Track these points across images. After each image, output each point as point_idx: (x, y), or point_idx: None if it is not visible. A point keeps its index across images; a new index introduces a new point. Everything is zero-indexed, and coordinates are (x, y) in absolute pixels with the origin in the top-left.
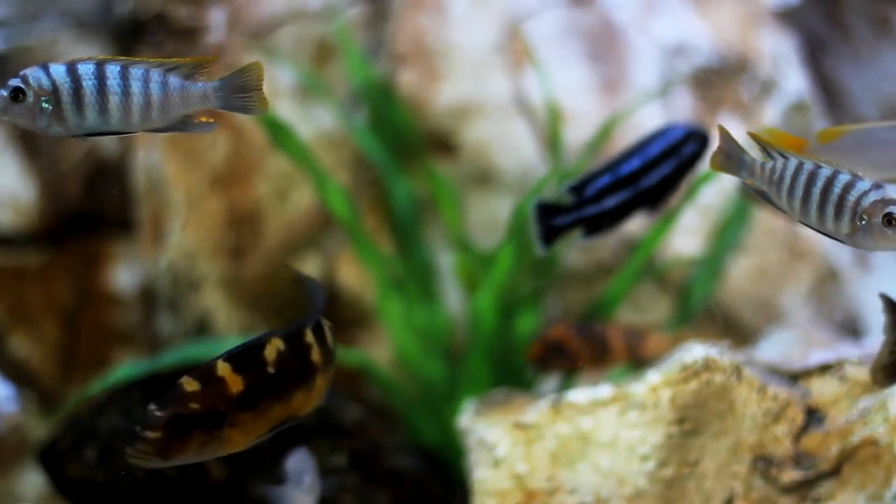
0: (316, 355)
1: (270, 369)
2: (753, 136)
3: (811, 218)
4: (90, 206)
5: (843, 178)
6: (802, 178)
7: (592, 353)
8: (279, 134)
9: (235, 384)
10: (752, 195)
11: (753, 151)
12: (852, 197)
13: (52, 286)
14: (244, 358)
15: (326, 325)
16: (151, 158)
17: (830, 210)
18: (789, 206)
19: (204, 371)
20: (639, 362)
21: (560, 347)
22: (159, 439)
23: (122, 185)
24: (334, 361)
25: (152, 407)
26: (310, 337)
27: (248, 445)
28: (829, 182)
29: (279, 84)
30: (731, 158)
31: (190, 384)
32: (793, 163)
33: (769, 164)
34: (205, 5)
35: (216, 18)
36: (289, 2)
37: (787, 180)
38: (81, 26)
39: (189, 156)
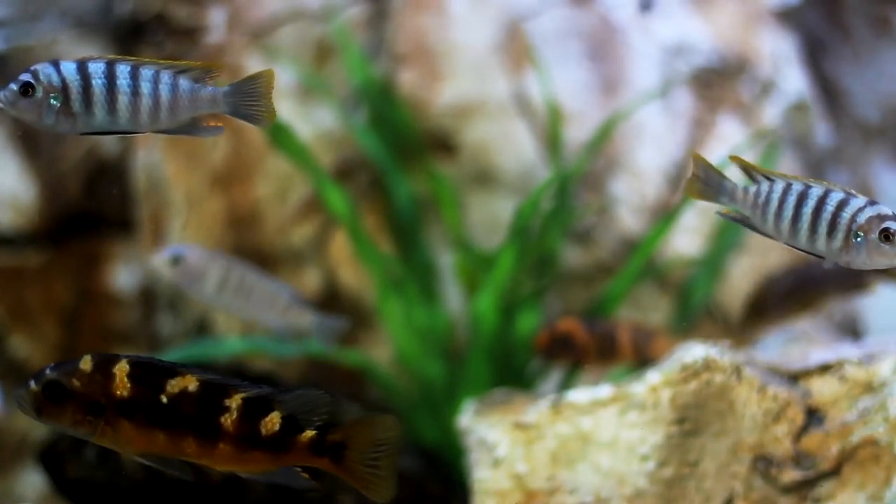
0: (228, 422)
1: (163, 398)
2: (737, 161)
3: (800, 239)
4: (90, 206)
5: (836, 195)
6: (792, 199)
7: (599, 350)
8: (278, 135)
9: (121, 388)
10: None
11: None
12: (847, 214)
13: (52, 286)
14: (146, 372)
15: (279, 417)
16: (151, 158)
17: (823, 229)
18: (776, 228)
19: (105, 359)
20: (645, 362)
21: (567, 340)
22: (36, 394)
23: (122, 185)
24: (269, 449)
25: (51, 364)
26: (234, 403)
27: (129, 455)
28: (822, 201)
29: (279, 84)
30: (709, 185)
31: (86, 363)
32: (780, 185)
33: (753, 188)
34: (205, 5)
35: (216, 18)
36: (289, 2)
37: (775, 203)
38: (81, 26)
39: (189, 156)
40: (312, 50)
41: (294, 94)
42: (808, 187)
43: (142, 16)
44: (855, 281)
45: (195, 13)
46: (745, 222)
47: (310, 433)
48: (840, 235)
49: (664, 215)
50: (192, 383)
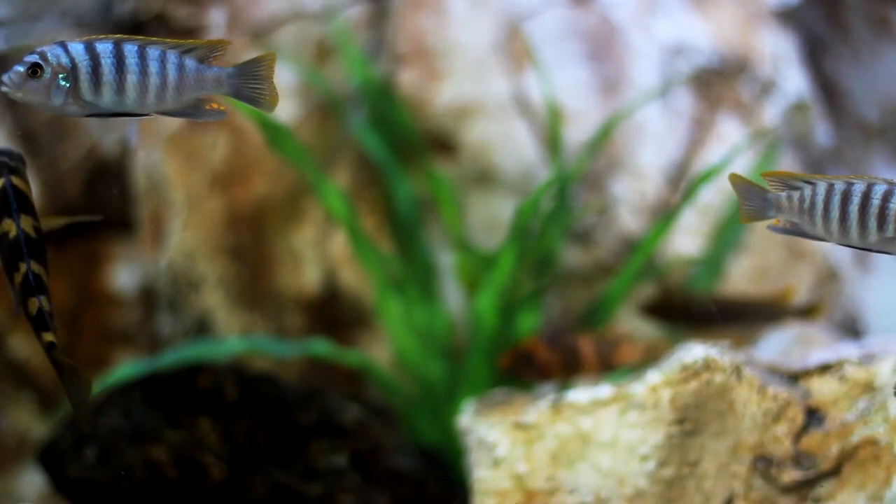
0: (14, 280)
1: None
2: (768, 175)
3: (852, 237)
4: (90, 206)
5: (880, 188)
6: (836, 199)
7: (563, 363)
8: (276, 135)
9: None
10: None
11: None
12: (894, 205)
13: (52, 286)
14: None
15: (37, 306)
16: (151, 158)
17: (872, 223)
18: (826, 230)
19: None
20: (611, 371)
21: (530, 358)
22: None
23: (122, 185)
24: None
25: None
26: (22, 269)
27: None
28: (866, 196)
29: (280, 84)
30: (754, 206)
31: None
32: (822, 187)
33: (796, 195)
34: (205, 5)
35: (216, 18)
36: (289, 2)
37: (820, 205)
38: (81, 26)
39: (189, 156)
40: (312, 50)
41: (294, 94)
42: (851, 184)
43: (142, 16)
44: (771, 316)
45: (195, 13)
46: (796, 231)
47: (49, 336)
48: (891, 227)
49: (664, 215)
50: (11, 232)
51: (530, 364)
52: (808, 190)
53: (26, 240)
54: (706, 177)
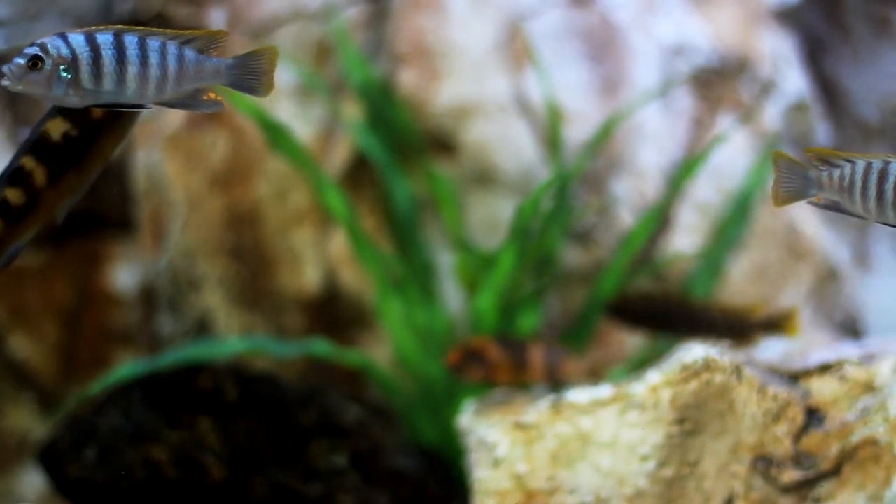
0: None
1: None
2: (811, 152)
3: (888, 216)
4: (90, 206)
5: None
6: (874, 178)
7: (511, 367)
8: (277, 135)
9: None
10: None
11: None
12: None
13: (52, 286)
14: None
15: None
16: (151, 158)
17: None
18: (864, 208)
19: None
20: (556, 383)
21: (479, 356)
22: None
23: (122, 185)
24: None
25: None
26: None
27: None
28: None
29: (279, 83)
30: (794, 185)
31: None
32: (861, 165)
33: (836, 172)
34: (205, 5)
35: (216, 18)
36: (289, 2)
37: (859, 183)
38: (81, 26)
39: (189, 156)
40: (312, 50)
41: (294, 94)
42: (888, 163)
43: (142, 15)
44: (738, 330)
45: (195, 13)
46: (837, 208)
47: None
48: None
49: (651, 209)
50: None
51: (480, 362)
52: (847, 168)
53: (39, 138)
54: (691, 168)
